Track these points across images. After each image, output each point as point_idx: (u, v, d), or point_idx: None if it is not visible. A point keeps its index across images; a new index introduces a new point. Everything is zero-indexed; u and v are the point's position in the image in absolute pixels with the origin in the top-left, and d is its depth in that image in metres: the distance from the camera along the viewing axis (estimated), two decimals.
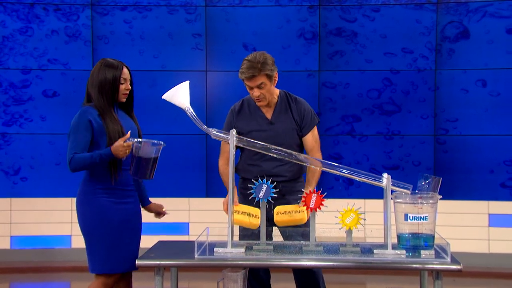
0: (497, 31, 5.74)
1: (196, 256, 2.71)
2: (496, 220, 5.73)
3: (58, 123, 5.85)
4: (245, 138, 3.02)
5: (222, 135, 2.95)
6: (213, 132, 2.95)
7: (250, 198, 2.89)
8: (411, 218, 2.71)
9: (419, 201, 2.71)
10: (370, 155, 5.90)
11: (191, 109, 2.93)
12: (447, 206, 5.42)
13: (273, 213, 2.96)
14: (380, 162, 5.87)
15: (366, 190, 5.39)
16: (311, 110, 3.48)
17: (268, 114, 3.42)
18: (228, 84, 5.85)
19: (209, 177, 5.90)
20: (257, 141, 2.99)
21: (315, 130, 3.46)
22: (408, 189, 2.81)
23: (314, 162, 3.16)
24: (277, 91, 3.44)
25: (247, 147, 3.03)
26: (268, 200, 2.85)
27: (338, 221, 2.80)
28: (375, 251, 2.74)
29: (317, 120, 3.48)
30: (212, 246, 2.80)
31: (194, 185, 5.92)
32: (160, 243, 3.14)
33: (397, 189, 2.80)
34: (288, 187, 3.37)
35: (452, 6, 5.78)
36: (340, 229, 2.81)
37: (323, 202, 2.83)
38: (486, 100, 5.77)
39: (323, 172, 3.21)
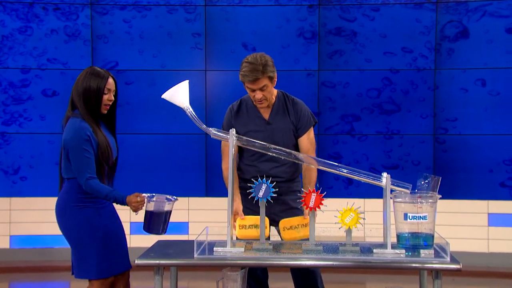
0: (496, 30, 5.73)
1: (195, 255, 2.71)
2: (495, 220, 5.73)
3: (57, 123, 5.71)
4: (245, 138, 3.01)
5: (221, 134, 2.95)
6: (213, 131, 2.95)
7: (249, 197, 2.90)
8: (410, 217, 2.71)
9: (418, 200, 2.71)
10: (370, 154, 5.90)
11: (191, 109, 2.93)
12: (446, 206, 5.43)
13: (272, 212, 2.96)
14: (379, 162, 5.87)
15: (365, 190, 5.41)
16: (309, 111, 3.45)
17: (266, 114, 3.41)
18: (228, 83, 5.85)
19: (209, 176, 5.89)
20: (256, 141, 2.99)
21: (311, 132, 3.42)
22: (407, 188, 2.80)
23: (314, 162, 3.15)
24: (275, 91, 3.42)
25: (246, 147, 3.04)
26: (267, 199, 2.85)
27: (337, 220, 2.80)
28: (374, 250, 2.74)
29: (314, 122, 3.44)
30: (211, 245, 2.81)
31: (194, 184, 5.91)
32: (159, 242, 3.14)
33: (396, 188, 2.80)
34: (285, 187, 3.36)
35: (452, 5, 5.78)
36: (339, 228, 2.81)
37: (322, 202, 2.83)
38: (485, 99, 5.77)
39: (323, 172, 3.20)
